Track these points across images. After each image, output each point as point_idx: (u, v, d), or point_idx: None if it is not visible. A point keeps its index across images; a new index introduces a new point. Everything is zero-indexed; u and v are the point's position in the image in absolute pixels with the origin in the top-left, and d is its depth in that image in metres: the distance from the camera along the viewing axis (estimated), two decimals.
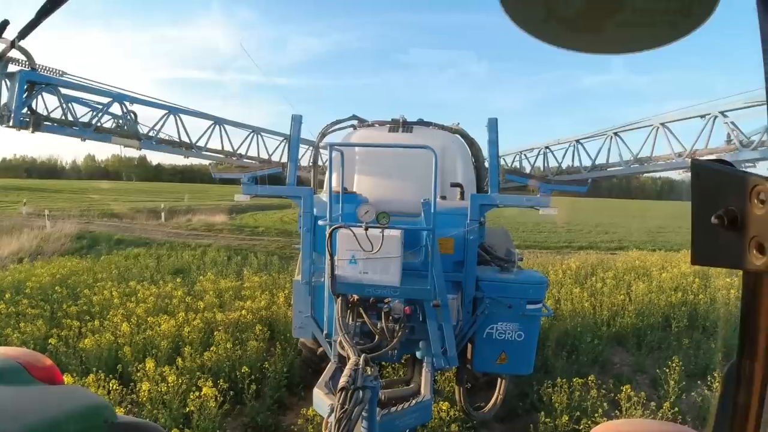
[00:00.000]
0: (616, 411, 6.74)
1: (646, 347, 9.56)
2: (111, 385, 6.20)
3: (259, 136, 12.21)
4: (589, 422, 6.20)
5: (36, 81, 7.81)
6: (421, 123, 7.29)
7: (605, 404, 6.69)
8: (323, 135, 7.50)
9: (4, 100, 7.69)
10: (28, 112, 7.99)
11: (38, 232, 20.56)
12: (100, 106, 9.15)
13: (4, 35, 1.05)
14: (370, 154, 6.85)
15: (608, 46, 0.79)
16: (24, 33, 1.07)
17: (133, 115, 9.54)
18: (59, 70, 8.29)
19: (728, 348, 9.03)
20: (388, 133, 7.13)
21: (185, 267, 15.90)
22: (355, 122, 7.61)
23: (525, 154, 13.87)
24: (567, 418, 6.23)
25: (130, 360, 7.34)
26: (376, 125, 7.39)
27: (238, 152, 11.78)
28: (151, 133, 9.87)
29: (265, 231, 26.25)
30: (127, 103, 9.40)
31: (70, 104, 8.69)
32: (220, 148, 11.52)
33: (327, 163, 6.79)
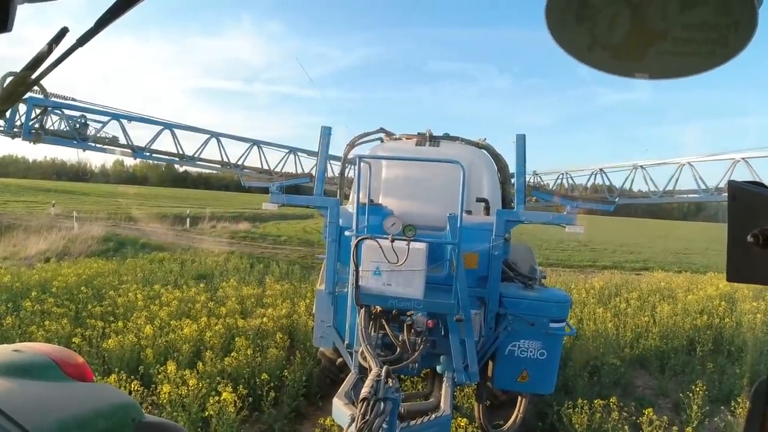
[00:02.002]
0: None
1: (669, 371, 9.37)
2: (132, 385, 6.29)
3: (259, 148, 12.67)
4: None
5: (44, 105, 9.05)
6: (447, 137, 7.30)
7: (626, 427, 6.57)
8: (351, 147, 7.53)
9: (18, 121, 9.16)
10: (39, 128, 9.26)
11: (66, 233, 20.97)
12: (100, 124, 10.15)
13: (61, 43, 1.10)
14: (396, 167, 6.87)
15: (649, 73, 0.81)
16: (83, 40, 1.11)
17: (83, 119, 10.45)
18: (69, 97, 10.21)
19: (753, 373, 8.84)
20: (415, 146, 7.15)
21: (208, 273, 16.05)
22: (382, 135, 7.65)
23: (569, 174, 13.83)
24: None
25: (152, 362, 7.42)
26: (404, 138, 7.42)
27: (235, 163, 12.31)
28: (145, 145, 10.76)
29: (287, 240, 26.44)
30: (124, 121, 10.34)
31: (69, 120, 9.86)
32: (219, 159, 12.15)
33: (354, 175, 6.83)
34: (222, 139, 12.39)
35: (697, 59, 0.78)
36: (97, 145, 10.47)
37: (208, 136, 11.54)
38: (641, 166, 11.61)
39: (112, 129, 11.01)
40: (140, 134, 11.96)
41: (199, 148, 11.34)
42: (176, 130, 11.46)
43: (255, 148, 13.35)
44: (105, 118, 10.61)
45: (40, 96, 9.68)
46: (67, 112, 10.49)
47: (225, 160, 12.04)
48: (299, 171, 12.92)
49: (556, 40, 0.79)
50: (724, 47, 0.76)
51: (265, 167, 12.78)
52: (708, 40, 0.76)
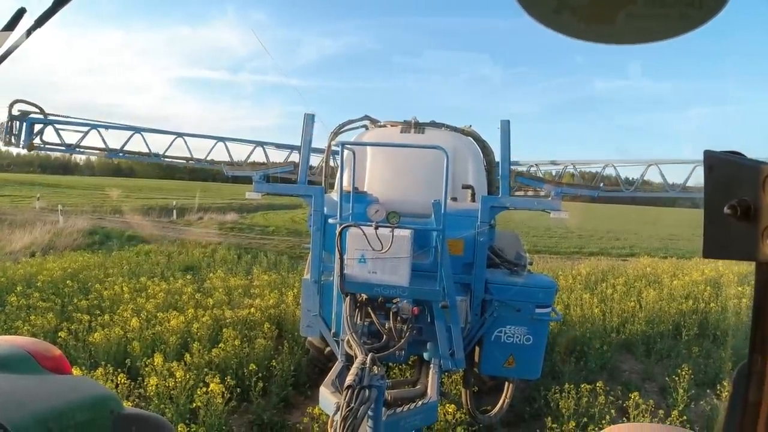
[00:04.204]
0: (624, 418, 6.67)
1: (655, 355, 9.47)
2: (119, 378, 6.24)
3: (224, 143, 13.12)
4: (596, 429, 6.16)
5: (40, 122, 11.04)
6: (433, 124, 7.24)
7: (613, 411, 6.64)
8: (336, 134, 7.46)
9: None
10: (40, 141, 11.31)
11: (51, 227, 20.75)
12: (81, 134, 11.41)
13: (20, 24, 1.07)
14: (381, 154, 6.81)
15: (620, 37, 0.78)
16: (40, 22, 1.08)
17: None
18: (64, 116, 11.72)
19: (738, 357, 8.94)
20: (400, 133, 7.09)
21: (195, 264, 15.98)
22: (367, 122, 7.58)
23: (575, 166, 13.78)
24: (574, 424, 6.18)
25: (139, 355, 7.39)
26: (389, 126, 7.36)
27: (203, 158, 12.87)
28: (115, 147, 12.08)
29: (275, 230, 26.36)
30: (102, 130, 11.73)
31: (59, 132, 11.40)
32: (188, 156, 12.91)
33: (339, 163, 6.78)
34: (198, 137, 13.21)
35: (670, 22, 0.74)
36: (79, 150, 11.73)
37: (174, 136, 12.36)
38: (656, 164, 11.71)
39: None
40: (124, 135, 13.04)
41: (166, 149, 12.23)
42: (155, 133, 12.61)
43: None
44: (86, 128, 11.79)
45: (40, 116, 11.25)
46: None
47: (192, 156, 12.77)
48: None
49: (521, 4, 0.75)
50: (699, 10, 0.72)
51: (231, 161, 13.33)
52: (681, 2, 0.73)
